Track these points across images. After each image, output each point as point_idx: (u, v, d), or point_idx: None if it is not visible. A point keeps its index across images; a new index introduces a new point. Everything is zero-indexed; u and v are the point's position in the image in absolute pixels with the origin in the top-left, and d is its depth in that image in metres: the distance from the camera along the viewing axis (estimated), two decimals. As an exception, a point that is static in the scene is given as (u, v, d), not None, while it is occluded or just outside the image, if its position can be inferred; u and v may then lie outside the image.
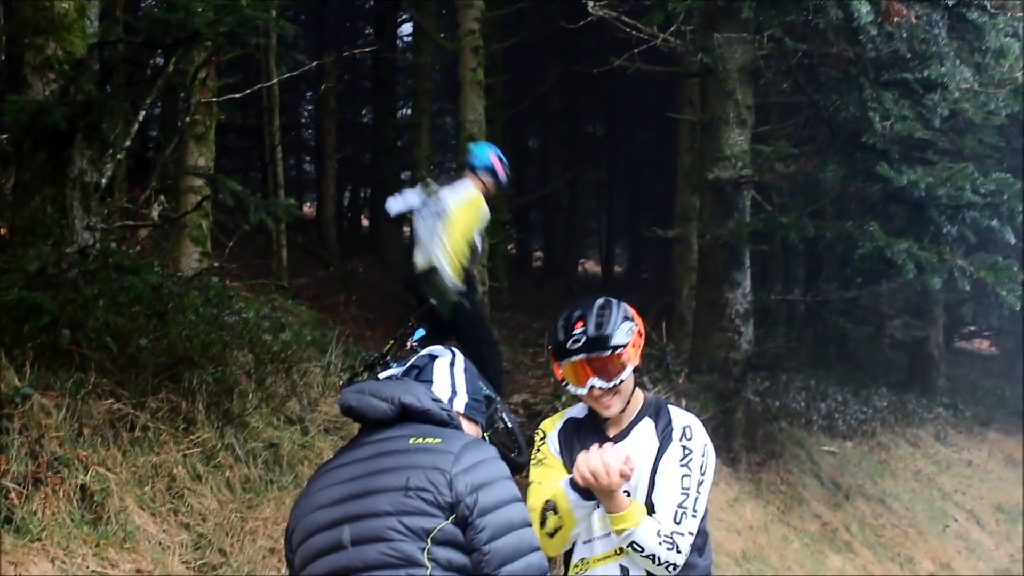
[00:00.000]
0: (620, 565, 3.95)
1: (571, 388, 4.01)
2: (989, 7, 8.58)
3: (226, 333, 7.54)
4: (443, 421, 3.31)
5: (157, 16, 6.76)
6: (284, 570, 5.61)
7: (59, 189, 6.92)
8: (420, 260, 8.76)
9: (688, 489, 3.86)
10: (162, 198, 9.65)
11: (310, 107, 25.62)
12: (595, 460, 3.64)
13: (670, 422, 3.98)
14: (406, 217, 9.07)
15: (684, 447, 3.90)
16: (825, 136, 10.83)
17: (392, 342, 8.11)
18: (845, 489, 12.77)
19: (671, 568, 3.79)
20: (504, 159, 9.23)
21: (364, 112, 25.99)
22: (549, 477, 4.08)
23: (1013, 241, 9.19)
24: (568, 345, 3.88)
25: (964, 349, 28.49)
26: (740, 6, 10.07)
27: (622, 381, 3.91)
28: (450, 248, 8.59)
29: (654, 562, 3.78)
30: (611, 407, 3.98)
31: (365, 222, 26.42)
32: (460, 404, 3.47)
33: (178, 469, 6.28)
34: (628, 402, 4.02)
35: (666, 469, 3.88)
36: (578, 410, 4.14)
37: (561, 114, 23.34)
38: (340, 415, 4.81)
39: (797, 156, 11.11)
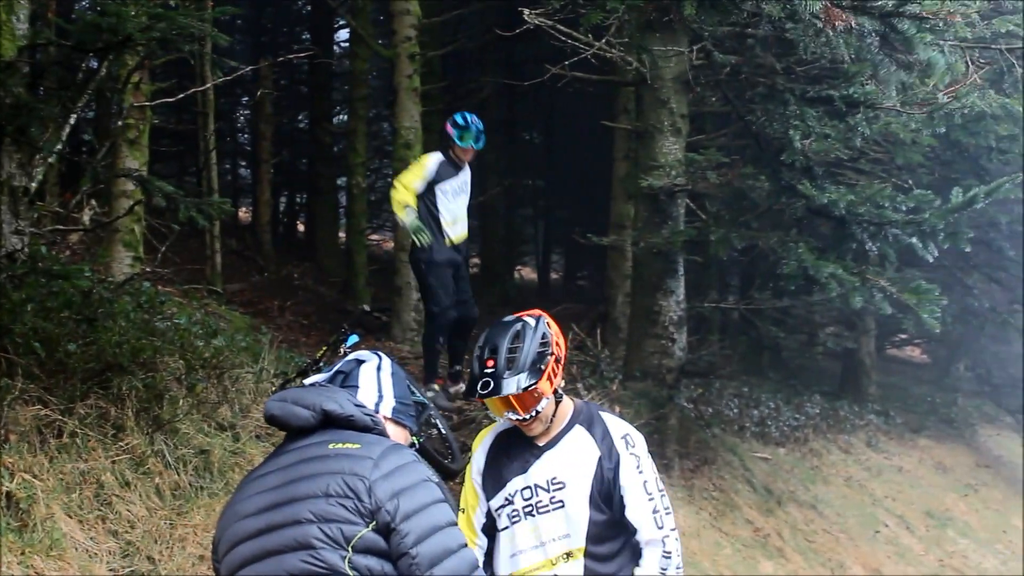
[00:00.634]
0: (557, 574, 3.97)
1: (491, 414, 4.08)
2: (923, 14, 8.67)
3: (157, 339, 7.47)
4: (366, 427, 3.32)
5: (89, 20, 6.70)
6: (213, 577, 5.58)
7: (-14, 193, 6.85)
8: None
9: (652, 493, 3.98)
10: (94, 202, 9.55)
11: (246, 112, 25.44)
12: None
13: (607, 431, 4.02)
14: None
15: (633, 455, 3.98)
16: (753, 150, 10.93)
17: (325, 348, 8.09)
18: (777, 495, 12.87)
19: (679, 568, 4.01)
20: (462, 120, 9.90)
21: (300, 118, 25.84)
22: (469, 504, 4.20)
23: (931, 259, 9.29)
24: (479, 389, 3.90)
25: (896, 357, 28.77)
26: (673, 15, 10.13)
27: (538, 412, 3.96)
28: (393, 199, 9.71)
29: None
30: (532, 430, 4.04)
31: (301, 228, 26.29)
32: (387, 408, 3.48)
33: (106, 476, 6.22)
34: (554, 416, 4.05)
35: (630, 484, 3.96)
36: (507, 422, 4.17)
37: (498, 122, 23.34)
38: (271, 422, 4.81)
39: (730, 165, 11.20)
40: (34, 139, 6.95)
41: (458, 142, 9.79)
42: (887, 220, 9.04)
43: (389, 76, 16.46)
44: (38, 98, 7.16)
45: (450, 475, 8.29)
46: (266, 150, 19.33)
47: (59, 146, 7.41)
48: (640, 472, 3.99)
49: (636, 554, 4.06)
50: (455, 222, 9.87)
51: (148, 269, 10.69)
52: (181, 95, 10.71)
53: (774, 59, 9.76)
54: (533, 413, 3.96)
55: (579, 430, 4.08)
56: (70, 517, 5.80)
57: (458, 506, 4.36)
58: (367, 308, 9.52)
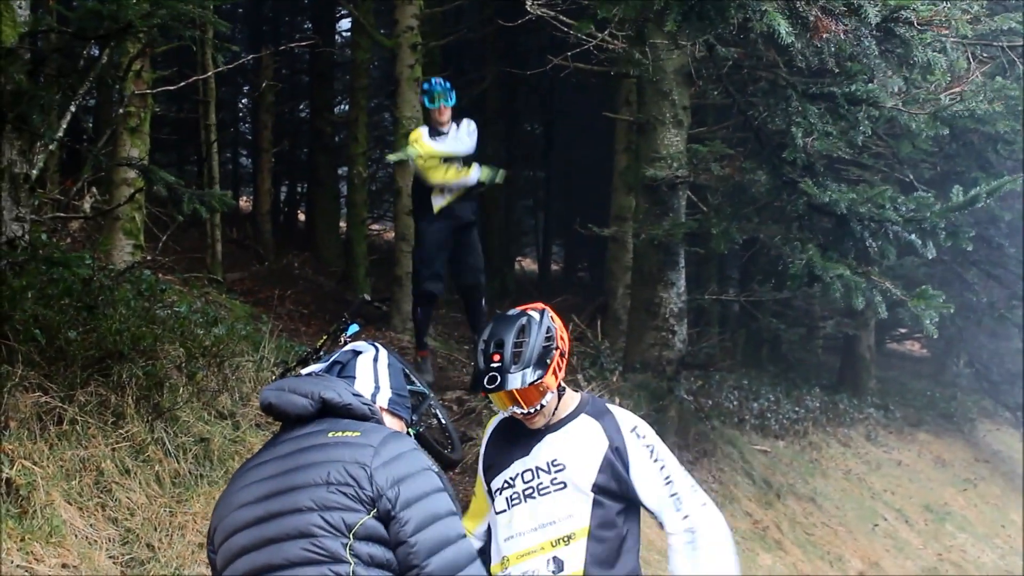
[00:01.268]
0: (554, 558, 3.97)
1: (494, 407, 4.09)
2: (916, 22, 8.65)
3: (157, 327, 7.46)
4: (364, 416, 3.31)
5: (90, 7, 6.68)
6: (212, 565, 5.58)
7: (-13, 180, 6.84)
8: None
9: (669, 477, 4.00)
10: (94, 190, 9.57)
11: (247, 101, 25.44)
12: None
13: (616, 424, 4.04)
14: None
15: (646, 446, 3.98)
16: (753, 145, 10.91)
17: (326, 337, 8.08)
18: (776, 488, 12.88)
19: (722, 540, 3.97)
20: (427, 85, 10.08)
21: (301, 107, 25.81)
22: (477, 492, 4.24)
23: (930, 256, 9.28)
24: (485, 383, 3.91)
25: (895, 351, 28.78)
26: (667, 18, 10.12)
27: (543, 406, 3.97)
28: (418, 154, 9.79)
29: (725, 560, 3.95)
30: (535, 423, 4.05)
31: (301, 217, 26.26)
32: (383, 399, 3.47)
33: (106, 463, 6.22)
34: (556, 409, 4.07)
35: (645, 474, 3.97)
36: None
37: (499, 113, 23.32)
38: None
39: (731, 158, 11.18)
40: (35, 126, 6.94)
41: (429, 105, 9.85)
42: (887, 219, 9.02)
43: (390, 66, 16.44)
44: (39, 85, 7.15)
45: (449, 465, 8.29)
46: (267, 139, 19.30)
47: (60, 133, 7.40)
48: (655, 461, 3.99)
49: (624, 553, 4.06)
50: (443, 190, 9.86)
51: (149, 257, 10.69)
52: (182, 83, 10.69)
53: (776, 54, 9.72)
54: (537, 407, 3.97)
55: (586, 418, 4.08)
56: (70, 504, 5.80)
57: (462, 496, 4.39)
58: (367, 298, 9.52)
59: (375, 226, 25.32)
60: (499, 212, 23.54)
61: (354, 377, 3.47)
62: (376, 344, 3.64)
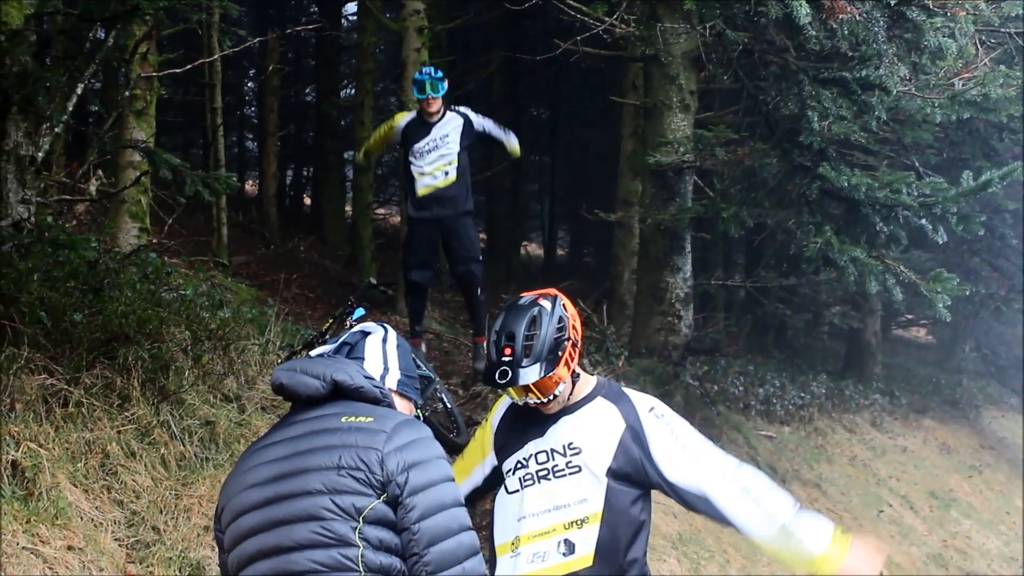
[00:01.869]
0: (565, 540, 3.96)
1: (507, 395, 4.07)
2: (931, 5, 8.62)
3: (163, 310, 7.45)
4: (375, 399, 3.30)
5: (96, -12, 6.68)
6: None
7: (-7, 162, 6.83)
8: None
9: (697, 451, 3.99)
10: (100, 173, 9.55)
11: (253, 84, 25.41)
12: None
13: (633, 406, 4.02)
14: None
15: (665, 424, 3.97)
16: (763, 130, 10.88)
17: (332, 321, 8.08)
18: (781, 473, 12.88)
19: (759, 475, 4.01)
20: (418, 75, 10.09)
21: (307, 91, 25.78)
22: (471, 449, 4.20)
23: (941, 242, 9.26)
24: (496, 378, 3.88)
25: (901, 337, 28.76)
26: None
27: (556, 395, 3.96)
28: None
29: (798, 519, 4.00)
30: (549, 410, 4.04)
31: (307, 201, 26.26)
32: (392, 381, 3.46)
33: (112, 446, 6.22)
34: (571, 393, 4.05)
35: (669, 453, 3.95)
36: None
37: (505, 97, 23.27)
38: (278, 393, 4.81)
39: (739, 142, 11.15)
40: (41, 108, 6.93)
41: (418, 95, 9.81)
42: (900, 203, 9.00)
43: (397, 50, 16.42)
44: (45, 67, 7.15)
45: (455, 449, 8.29)
46: (273, 123, 19.27)
47: (66, 116, 7.39)
48: (676, 438, 3.97)
49: (646, 529, 4.05)
50: (424, 175, 9.83)
51: (154, 240, 10.69)
52: (188, 66, 10.66)
53: (786, 38, 9.69)
54: (551, 397, 3.96)
55: (602, 401, 4.06)
56: (76, 486, 5.80)
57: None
58: (373, 281, 9.51)
59: (381, 210, 25.27)
60: (505, 197, 23.51)
61: (363, 358, 3.46)
62: (385, 325, 3.62)
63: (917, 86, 9.32)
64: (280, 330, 9.01)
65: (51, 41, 7.80)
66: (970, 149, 13.53)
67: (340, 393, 3.28)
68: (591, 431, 3.99)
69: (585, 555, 3.94)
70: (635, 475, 3.96)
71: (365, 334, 3.54)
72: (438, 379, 8.69)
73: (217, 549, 3.39)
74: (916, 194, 9.06)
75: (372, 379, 3.36)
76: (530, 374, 3.87)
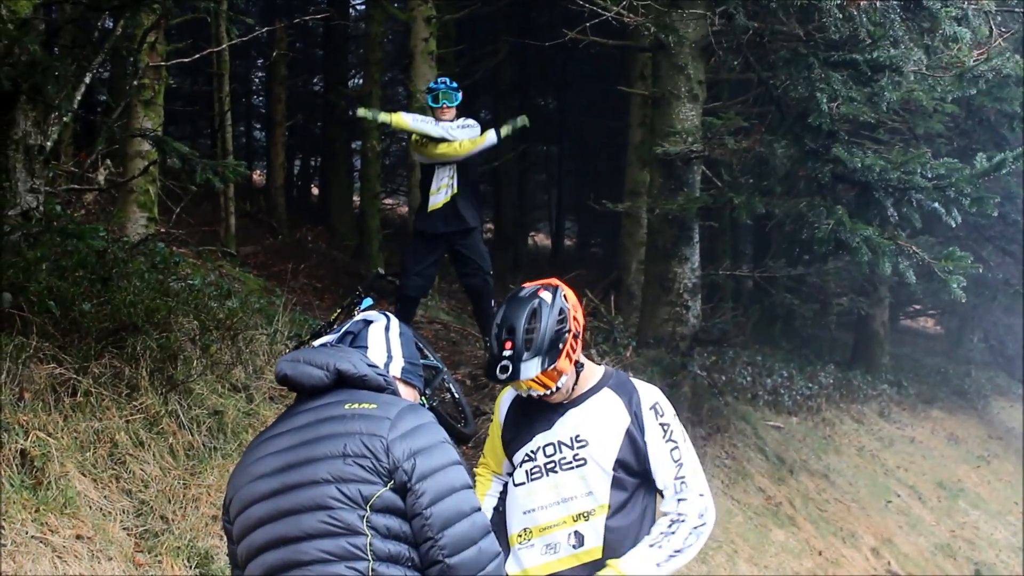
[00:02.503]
0: (575, 532, 3.98)
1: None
2: (946, -7, 8.61)
3: (171, 299, 7.46)
4: (379, 386, 3.30)
5: (105, -23, 6.67)
6: (227, 537, 5.59)
7: (2, 151, 6.83)
8: None
9: (680, 459, 4.00)
10: (108, 162, 9.55)
11: (261, 74, 25.41)
12: None
13: (638, 399, 4.01)
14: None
15: (662, 425, 3.97)
16: (774, 115, 10.85)
17: (339, 311, 8.08)
18: (789, 464, 12.88)
19: (702, 527, 3.96)
20: (433, 84, 9.99)
21: (315, 80, 25.78)
22: (488, 450, 4.23)
23: (954, 224, 9.24)
24: (497, 372, 3.88)
25: (909, 327, 28.76)
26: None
27: (559, 387, 3.96)
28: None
29: (689, 548, 3.95)
30: (555, 400, 4.04)
31: (315, 191, 26.28)
32: (396, 368, 3.46)
33: (120, 435, 6.23)
34: (575, 385, 4.05)
35: (656, 452, 3.96)
36: None
37: (513, 87, 23.26)
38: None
39: (748, 130, 11.11)
40: (49, 98, 6.93)
41: (432, 104, 9.73)
42: (913, 185, 8.97)
43: (404, 39, 16.38)
44: (53, 56, 7.13)
45: (463, 439, 8.30)
46: (280, 113, 19.28)
47: (74, 105, 7.39)
48: (668, 441, 3.98)
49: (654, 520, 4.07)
50: (438, 190, 9.73)
51: (162, 230, 10.69)
52: (196, 56, 10.66)
53: (796, 24, 9.66)
54: (554, 389, 3.95)
55: (608, 393, 4.06)
56: (84, 476, 5.81)
57: (475, 464, 4.39)
58: (381, 272, 9.49)
59: (389, 200, 25.33)
60: (512, 186, 23.52)
61: (366, 347, 3.45)
62: (387, 313, 3.62)
63: (929, 66, 9.28)
64: (288, 320, 9.02)
65: (59, 30, 7.80)
66: (980, 138, 13.50)
67: (344, 382, 3.28)
68: (597, 423, 3.99)
69: (594, 547, 3.96)
70: (637, 466, 3.97)
71: (368, 323, 3.54)
72: (445, 369, 8.70)
73: (226, 539, 3.39)
74: (930, 175, 9.03)
75: (376, 367, 3.36)
76: (531, 368, 3.86)
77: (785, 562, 10.26)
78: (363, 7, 21.75)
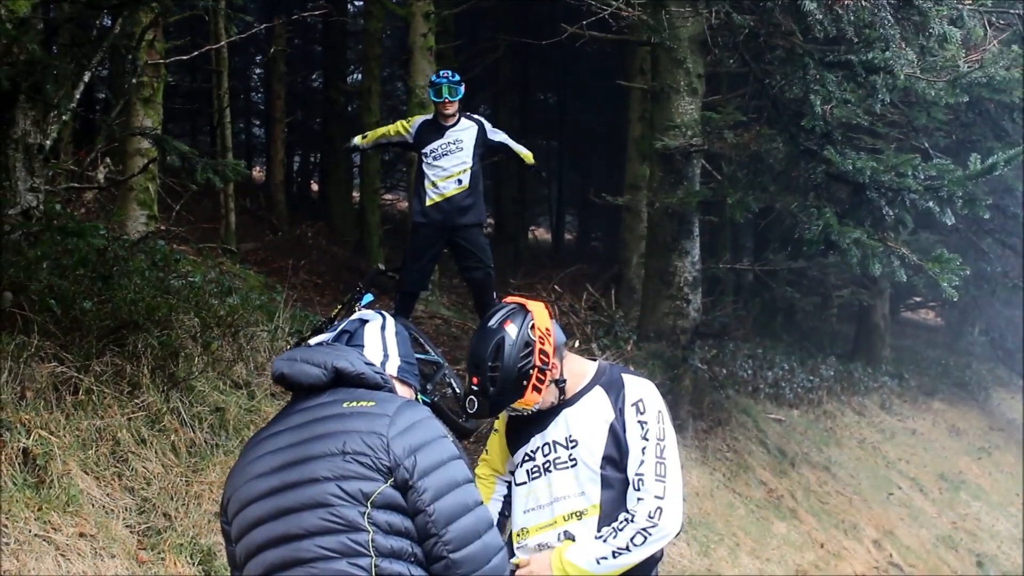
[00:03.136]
0: (566, 532, 3.98)
1: None
2: (936, -9, 8.60)
3: (172, 297, 7.47)
4: (377, 385, 3.30)
5: (103, -24, 6.68)
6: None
7: (1, 150, 6.84)
8: None
9: (645, 460, 3.91)
10: (108, 160, 9.56)
11: (260, 71, 25.42)
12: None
13: (623, 396, 3.99)
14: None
15: (640, 422, 3.93)
16: (770, 114, 10.85)
17: (340, 307, 8.09)
18: (791, 457, 12.89)
19: (652, 529, 3.84)
20: (436, 77, 9.69)
21: (314, 77, 25.79)
22: (493, 447, 4.22)
23: (948, 223, 9.24)
24: (466, 407, 3.93)
25: (910, 320, 28.77)
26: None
27: (539, 405, 3.97)
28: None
29: (636, 548, 3.84)
30: (544, 407, 4.04)
31: (314, 187, 26.28)
32: (392, 367, 3.46)
33: (122, 433, 6.23)
34: (563, 391, 4.03)
35: (632, 448, 3.93)
36: None
37: (512, 82, 23.26)
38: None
39: (747, 124, 11.12)
40: (48, 96, 6.94)
41: (434, 98, 9.62)
42: (906, 187, 8.97)
43: (403, 35, 16.43)
44: (52, 55, 7.15)
45: (464, 434, 8.31)
46: (280, 109, 19.29)
47: (73, 104, 7.40)
48: (643, 439, 3.94)
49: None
50: (436, 183, 9.64)
51: (163, 227, 10.71)
52: (195, 53, 10.70)
53: (792, 22, 9.65)
54: (532, 409, 3.98)
55: (598, 391, 4.05)
56: (87, 474, 5.82)
57: (477, 458, 4.39)
58: (381, 267, 9.49)
59: (388, 196, 25.33)
60: (512, 181, 23.52)
61: (363, 345, 3.46)
62: (383, 312, 3.62)
63: (923, 68, 9.27)
64: (289, 316, 9.03)
65: (58, 29, 7.80)
66: (980, 130, 13.48)
67: (341, 380, 3.29)
68: (586, 423, 3.99)
69: None
70: (621, 461, 3.96)
71: (363, 322, 3.54)
72: (447, 364, 8.70)
73: (224, 538, 3.40)
74: (922, 177, 9.03)
75: (373, 366, 3.36)
76: (497, 405, 3.92)
77: (787, 554, 10.28)
78: (362, 3, 21.73)
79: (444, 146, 9.49)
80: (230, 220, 13.59)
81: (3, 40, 6.72)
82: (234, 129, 19.09)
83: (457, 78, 9.61)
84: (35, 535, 5.11)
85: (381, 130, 9.81)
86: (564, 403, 4.04)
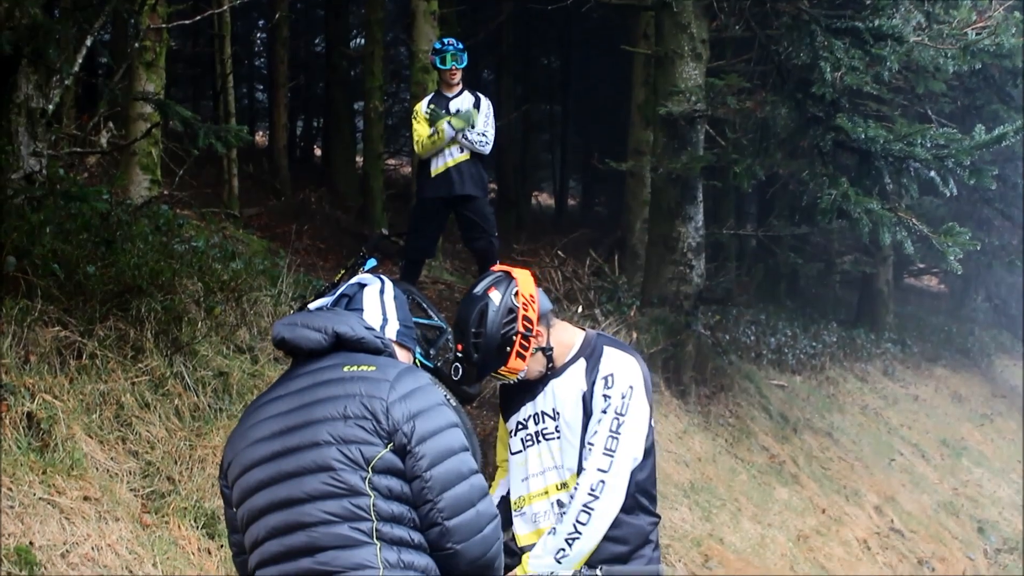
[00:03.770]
0: (557, 501, 4.00)
1: None
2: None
3: (175, 261, 7.47)
4: (377, 349, 3.32)
5: (105, -61, 6.65)
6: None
7: (4, 115, 6.83)
8: None
9: (599, 431, 3.90)
10: (111, 125, 9.54)
11: (262, 36, 25.34)
12: None
13: (598, 368, 3.98)
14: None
15: (605, 395, 3.92)
16: (775, 80, 10.80)
17: (343, 272, 8.08)
18: (793, 422, 12.91)
19: (605, 512, 3.85)
20: (439, 45, 9.71)
21: (317, 41, 25.73)
22: (502, 427, 4.29)
23: (948, 194, 9.22)
24: (454, 376, 4.01)
25: (913, 286, 28.76)
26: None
27: (525, 373, 3.98)
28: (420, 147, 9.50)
29: (584, 528, 3.84)
30: (532, 377, 4.05)
31: (317, 152, 26.25)
32: (392, 331, 3.47)
33: (126, 397, 6.25)
34: (551, 362, 4.03)
35: (592, 418, 3.92)
36: None
37: (515, 47, 23.18)
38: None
39: (750, 91, 11.08)
40: (51, 61, 6.92)
41: (440, 66, 9.58)
42: (913, 156, 8.94)
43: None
44: (55, 19, 7.12)
45: (467, 399, 8.32)
46: (282, 74, 19.22)
47: (76, 68, 7.38)
48: (603, 412, 3.92)
49: (638, 490, 4.02)
50: (439, 155, 9.58)
51: (166, 192, 10.69)
52: (198, 17, 10.64)
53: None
54: (519, 376, 3.99)
55: (581, 362, 4.05)
56: (91, 438, 5.84)
57: (474, 429, 4.42)
58: (385, 232, 9.48)
59: (392, 160, 25.25)
60: (515, 147, 23.48)
61: (362, 310, 3.46)
62: (382, 277, 3.63)
63: (930, 35, 9.23)
64: (292, 281, 9.03)
65: (60, -8, 7.78)
66: (985, 96, 13.44)
67: (341, 345, 3.30)
68: (568, 395, 3.99)
69: None
70: None
71: (362, 286, 3.55)
72: (450, 329, 8.71)
73: (223, 502, 3.41)
74: (930, 145, 9.00)
75: (373, 330, 3.37)
76: (481, 371, 3.96)
77: (788, 520, 10.31)
78: (364, -34, 21.63)
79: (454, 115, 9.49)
80: (233, 185, 13.58)
81: (5, 5, 6.70)
82: (237, 94, 19.04)
83: (461, 46, 9.58)
84: (39, 499, 5.13)
85: (422, 140, 9.55)
86: (552, 373, 4.05)
